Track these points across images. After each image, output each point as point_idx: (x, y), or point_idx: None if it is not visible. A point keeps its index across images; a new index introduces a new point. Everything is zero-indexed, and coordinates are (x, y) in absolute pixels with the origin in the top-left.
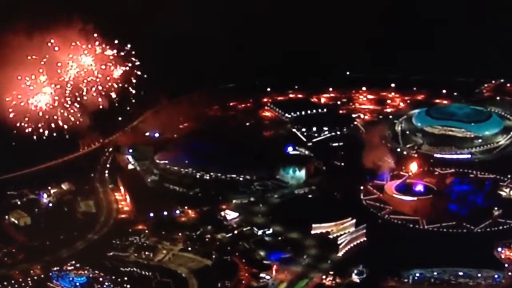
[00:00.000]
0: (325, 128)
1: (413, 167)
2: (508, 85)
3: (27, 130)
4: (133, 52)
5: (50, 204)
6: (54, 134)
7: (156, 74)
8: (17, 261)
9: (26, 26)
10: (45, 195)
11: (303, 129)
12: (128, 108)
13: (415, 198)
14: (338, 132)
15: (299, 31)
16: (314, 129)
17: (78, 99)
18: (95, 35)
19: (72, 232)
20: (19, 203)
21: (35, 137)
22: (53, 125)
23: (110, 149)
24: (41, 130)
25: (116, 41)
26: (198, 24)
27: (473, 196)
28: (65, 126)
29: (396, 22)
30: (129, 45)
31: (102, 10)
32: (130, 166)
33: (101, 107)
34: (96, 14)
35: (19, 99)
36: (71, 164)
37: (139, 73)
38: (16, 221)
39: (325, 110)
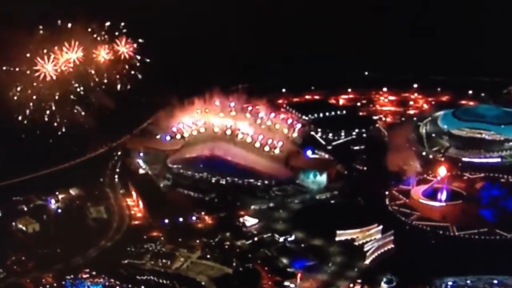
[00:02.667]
0: (345, 131)
1: (442, 171)
2: None
3: (31, 133)
4: (142, 57)
5: (59, 210)
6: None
7: (166, 74)
8: (28, 269)
9: (29, 23)
10: (53, 201)
11: (322, 132)
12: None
13: (444, 204)
14: (359, 135)
15: (313, 29)
16: (334, 131)
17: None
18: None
19: (84, 239)
20: (25, 209)
21: (39, 141)
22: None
23: (119, 153)
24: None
25: (126, 42)
26: (208, 24)
27: (504, 201)
28: (71, 129)
29: (416, 19)
30: (137, 45)
31: (113, 8)
32: (141, 171)
33: (108, 108)
34: (106, 12)
35: (23, 101)
36: (78, 169)
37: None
38: (24, 228)
39: (344, 112)
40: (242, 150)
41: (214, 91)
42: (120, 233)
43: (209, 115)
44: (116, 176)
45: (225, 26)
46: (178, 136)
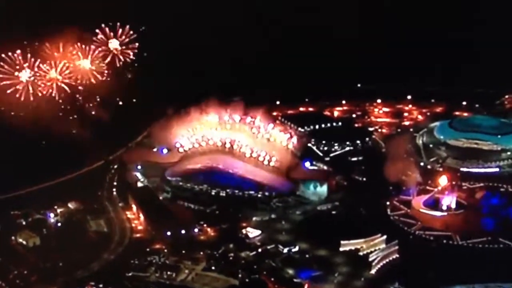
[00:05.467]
0: (342, 142)
1: (443, 181)
2: None
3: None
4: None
5: (59, 224)
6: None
7: (162, 86)
8: (30, 283)
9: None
10: (52, 215)
11: (319, 144)
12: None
13: (445, 214)
14: (357, 146)
15: (307, 42)
16: (331, 143)
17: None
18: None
19: (86, 252)
20: (24, 223)
21: (36, 154)
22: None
23: (116, 166)
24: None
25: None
26: (205, 35)
27: (505, 210)
28: (67, 142)
29: (407, 30)
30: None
31: (108, 16)
32: (139, 184)
33: (103, 120)
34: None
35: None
36: (75, 183)
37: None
38: (24, 242)
39: (340, 123)
40: (242, 162)
41: (210, 102)
42: (122, 246)
43: (206, 128)
44: (114, 190)
45: (222, 37)
46: (181, 150)
